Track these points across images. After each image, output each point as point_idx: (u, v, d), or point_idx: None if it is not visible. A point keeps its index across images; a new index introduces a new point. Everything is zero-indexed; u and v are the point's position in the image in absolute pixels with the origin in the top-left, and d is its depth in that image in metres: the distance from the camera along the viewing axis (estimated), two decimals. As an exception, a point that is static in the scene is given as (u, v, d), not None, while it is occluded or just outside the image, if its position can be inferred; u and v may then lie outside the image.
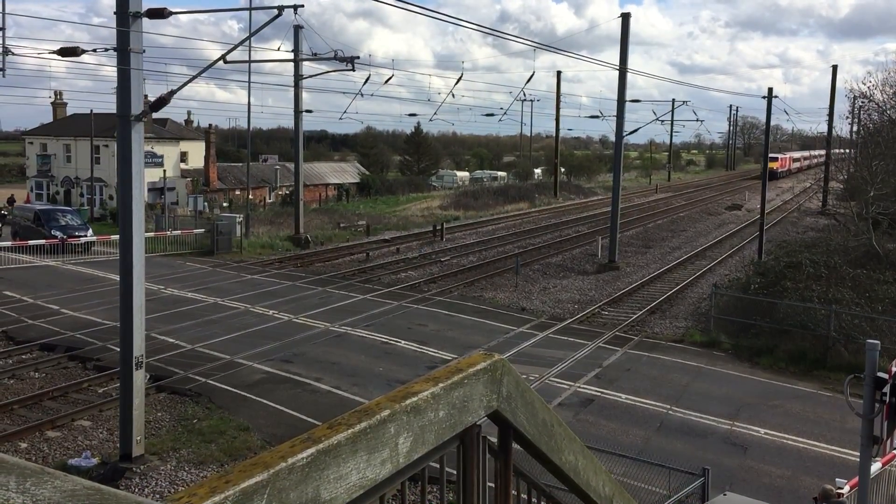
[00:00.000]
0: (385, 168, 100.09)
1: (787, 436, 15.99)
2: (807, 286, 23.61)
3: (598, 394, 18.14)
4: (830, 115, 57.66)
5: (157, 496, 12.29)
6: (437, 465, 2.81)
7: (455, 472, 3.00)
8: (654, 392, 18.32)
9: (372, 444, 2.24)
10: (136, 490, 13.19)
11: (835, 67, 60.63)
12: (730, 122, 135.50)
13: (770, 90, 35.87)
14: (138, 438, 13.86)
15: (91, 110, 56.08)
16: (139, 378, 13.81)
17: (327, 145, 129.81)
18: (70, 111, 66.85)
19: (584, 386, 18.68)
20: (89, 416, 16.36)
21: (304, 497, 1.96)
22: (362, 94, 37.29)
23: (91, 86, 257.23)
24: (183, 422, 16.04)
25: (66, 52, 14.64)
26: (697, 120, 58.02)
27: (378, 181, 78.61)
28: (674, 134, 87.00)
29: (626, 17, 33.37)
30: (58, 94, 65.32)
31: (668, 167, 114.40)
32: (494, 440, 3.27)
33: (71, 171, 63.35)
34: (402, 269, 33.46)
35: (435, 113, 71.29)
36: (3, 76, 14.87)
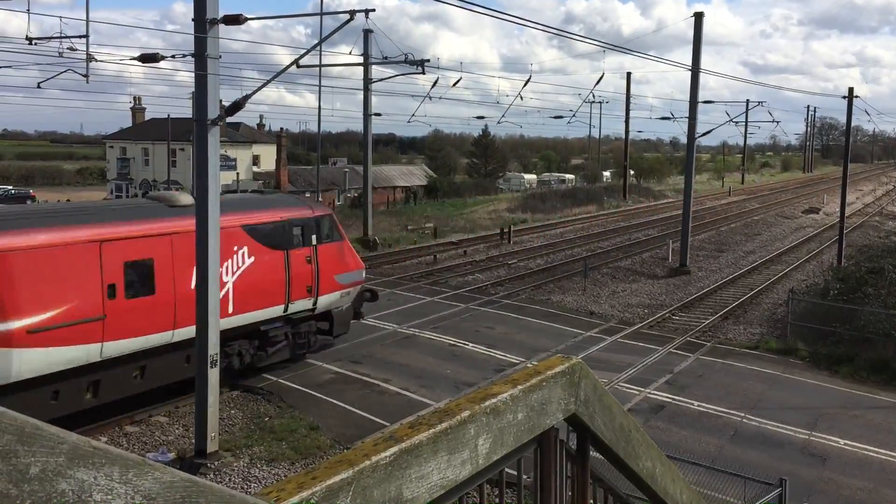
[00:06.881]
0: (452, 171, 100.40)
1: (868, 447, 15.41)
2: (890, 293, 22.76)
3: (670, 400, 17.81)
4: (915, 114, 55.37)
5: (231, 492, 12.54)
6: (514, 472, 2.79)
7: (530, 477, 2.97)
8: (728, 400, 17.89)
9: (452, 444, 2.24)
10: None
11: (919, 65, 58.23)
12: (807, 122, 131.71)
13: (850, 90, 34.66)
14: (213, 435, 14.18)
15: (168, 115, 57.86)
16: (214, 376, 14.15)
17: (395, 148, 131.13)
18: (148, 116, 69.07)
19: (655, 392, 18.37)
20: (166, 413, 16.82)
21: (387, 495, 1.97)
22: (430, 98, 37.45)
23: (167, 91, 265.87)
24: (255, 420, 16.36)
25: (146, 58, 15.14)
26: (773, 121, 55.94)
27: (445, 184, 78.75)
28: (748, 136, 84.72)
29: (699, 17, 32.74)
30: (137, 99, 67.49)
31: (741, 169, 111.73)
32: (570, 444, 3.24)
33: (149, 174, 65.45)
34: (470, 272, 33.45)
35: (503, 115, 70.88)
36: (87, 82, 15.49)
